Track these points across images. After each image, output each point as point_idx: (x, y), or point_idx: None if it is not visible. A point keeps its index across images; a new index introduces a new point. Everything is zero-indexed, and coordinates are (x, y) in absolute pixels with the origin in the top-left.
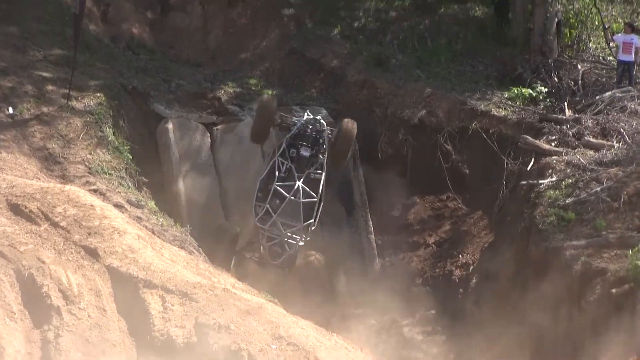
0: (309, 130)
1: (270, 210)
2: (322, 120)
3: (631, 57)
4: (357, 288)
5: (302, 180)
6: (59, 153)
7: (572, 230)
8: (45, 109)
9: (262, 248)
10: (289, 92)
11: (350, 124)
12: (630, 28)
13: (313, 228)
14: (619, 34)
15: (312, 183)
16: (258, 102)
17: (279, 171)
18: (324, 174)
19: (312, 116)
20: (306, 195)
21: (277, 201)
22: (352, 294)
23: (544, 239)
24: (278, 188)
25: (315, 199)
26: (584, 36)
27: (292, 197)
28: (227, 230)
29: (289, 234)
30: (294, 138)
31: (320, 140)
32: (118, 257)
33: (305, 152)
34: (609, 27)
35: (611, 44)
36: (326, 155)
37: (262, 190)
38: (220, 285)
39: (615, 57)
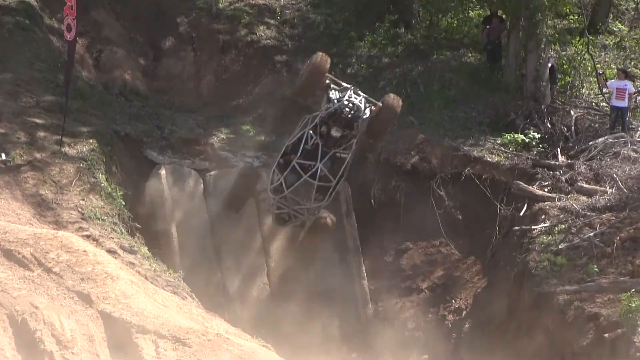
0: (346, 111)
1: (284, 184)
2: (363, 104)
3: (624, 103)
4: (350, 333)
5: (324, 160)
6: (51, 199)
7: (565, 276)
8: (38, 155)
9: (271, 212)
10: (282, 138)
11: (395, 100)
12: (624, 74)
13: (324, 205)
14: (613, 80)
15: (336, 162)
16: (311, 58)
17: (306, 143)
18: (350, 154)
19: (354, 97)
20: (323, 178)
21: (294, 177)
22: (345, 339)
23: (537, 284)
24: (296, 166)
25: (332, 183)
26: (577, 82)
27: (308, 178)
28: (249, 174)
29: (297, 208)
30: (330, 116)
31: (355, 123)
32: (111, 302)
33: (336, 133)
34: (603, 73)
35: (604, 90)
36: (358, 137)
37: (284, 158)
38: (213, 330)
39: (608, 103)
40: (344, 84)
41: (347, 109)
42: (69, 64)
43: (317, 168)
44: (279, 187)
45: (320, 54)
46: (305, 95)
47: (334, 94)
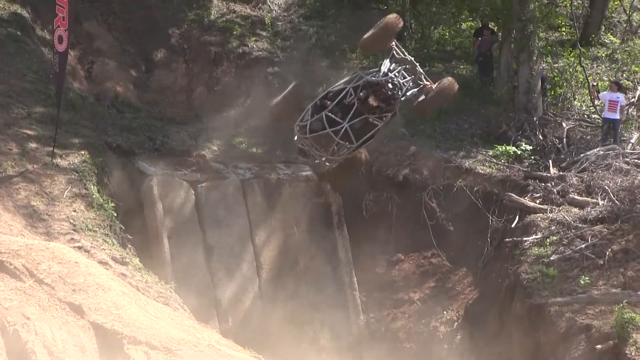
0: (388, 87)
1: (308, 129)
2: (408, 85)
3: (616, 115)
4: (342, 344)
5: (353, 121)
6: (43, 210)
7: (556, 287)
8: (29, 167)
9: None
10: (274, 150)
11: (449, 86)
12: (617, 86)
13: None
14: (605, 92)
15: (367, 126)
16: (386, 16)
17: (344, 98)
18: (382, 124)
19: (403, 76)
20: (347, 138)
21: (319, 125)
22: (336, 350)
23: (528, 296)
24: (324, 117)
25: (352, 146)
26: (568, 94)
27: (331, 133)
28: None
29: (314, 152)
30: (371, 84)
31: (393, 100)
32: (103, 313)
33: (373, 102)
34: (596, 85)
35: (596, 102)
36: (391, 114)
37: (322, 102)
38: (205, 341)
39: (600, 115)
40: (407, 56)
41: (389, 86)
42: (60, 76)
43: (343, 127)
44: (303, 128)
45: (395, 15)
46: (368, 50)
47: (385, 65)
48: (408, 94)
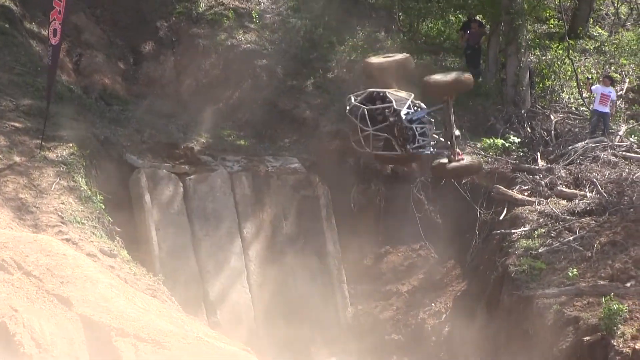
0: (409, 132)
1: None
2: (425, 145)
3: (607, 109)
4: (330, 337)
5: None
6: (31, 203)
7: (544, 279)
8: (17, 159)
9: None
10: (262, 142)
11: (479, 167)
12: (610, 81)
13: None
14: (598, 85)
15: (387, 141)
16: (464, 77)
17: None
18: (396, 154)
19: (423, 131)
20: (367, 141)
21: (357, 112)
22: (324, 343)
23: (516, 288)
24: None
25: (367, 150)
26: (556, 87)
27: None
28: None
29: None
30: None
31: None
32: (91, 305)
33: (396, 132)
34: (591, 79)
35: (584, 94)
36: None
37: (376, 94)
38: (193, 333)
39: (588, 108)
40: (452, 121)
41: (410, 132)
42: (52, 68)
43: (368, 131)
44: (352, 110)
45: (471, 79)
46: (428, 88)
47: (423, 111)
48: (418, 150)
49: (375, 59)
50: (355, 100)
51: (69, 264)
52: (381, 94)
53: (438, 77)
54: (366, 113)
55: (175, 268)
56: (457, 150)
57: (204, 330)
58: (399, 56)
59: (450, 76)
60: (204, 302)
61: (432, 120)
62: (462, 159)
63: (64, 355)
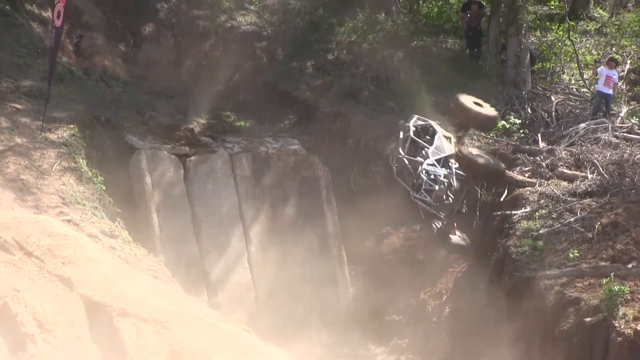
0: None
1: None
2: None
3: (610, 91)
4: (331, 318)
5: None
6: (32, 184)
7: (545, 260)
8: (18, 140)
9: None
10: (262, 124)
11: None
12: (615, 63)
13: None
14: (603, 67)
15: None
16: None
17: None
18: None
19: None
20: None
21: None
22: (325, 324)
23: (517, 269)
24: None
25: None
26: (557, 68)
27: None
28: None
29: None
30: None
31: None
32: (92, 286)
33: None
34: (599, 61)
35: (585, 76)
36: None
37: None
38: (194, 314)
39: (589, 89)
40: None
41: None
42: (54, 50)
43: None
44: (402, 126)
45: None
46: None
47: (436, 171)
48: (417, 200)
49: (467, 103)
50: (413, 122)
51: (71, 245)
52: (432, 132)
53: (475, 152)
54: (409, 139)
55: (176, 249)
56: (455, 225)
57: (205, 311)
58: (490, 112)
59: (486, 160)
60: (205, 283)
61: (451, 182)
62: (455, 234)
63: (65, 335)
